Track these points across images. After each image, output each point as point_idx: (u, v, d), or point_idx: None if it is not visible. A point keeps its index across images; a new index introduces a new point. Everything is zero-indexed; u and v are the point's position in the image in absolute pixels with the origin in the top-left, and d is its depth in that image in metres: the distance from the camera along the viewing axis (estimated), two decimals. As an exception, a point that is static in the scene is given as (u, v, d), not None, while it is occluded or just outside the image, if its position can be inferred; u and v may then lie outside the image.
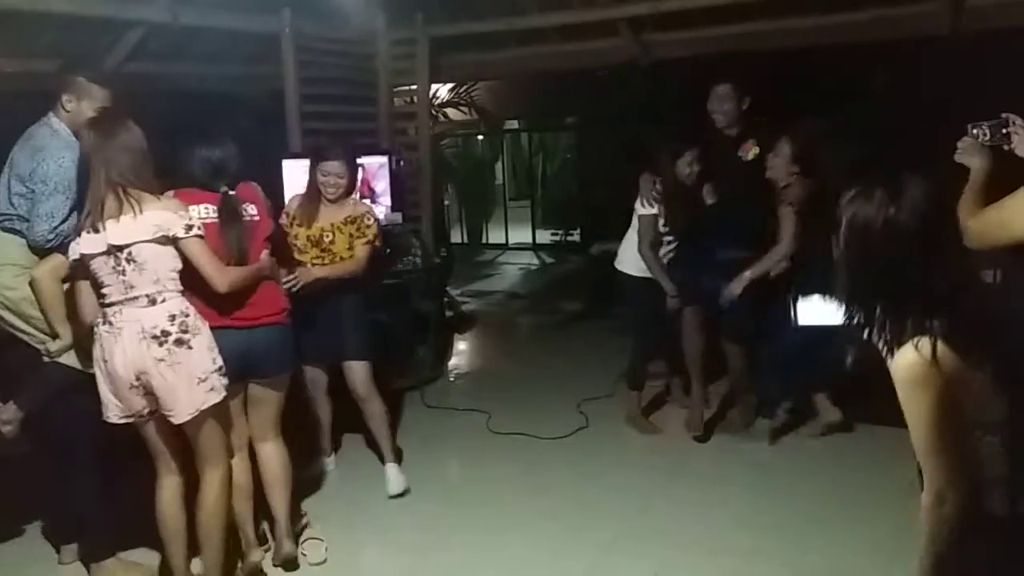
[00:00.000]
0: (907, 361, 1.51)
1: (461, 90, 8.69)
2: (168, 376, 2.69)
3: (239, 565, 3.15)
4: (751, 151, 4.10)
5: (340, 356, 3.83)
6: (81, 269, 2.75)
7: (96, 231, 2.68)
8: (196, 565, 3.01)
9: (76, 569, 3.27)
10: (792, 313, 3.94)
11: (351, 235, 3.72)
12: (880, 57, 5.45)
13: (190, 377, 2.72)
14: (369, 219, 3.76)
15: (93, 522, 3.19)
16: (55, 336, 2.99)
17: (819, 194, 3.89)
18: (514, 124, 13.46)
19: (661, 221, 4.25)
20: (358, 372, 3.81)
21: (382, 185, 5.55)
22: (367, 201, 5.35)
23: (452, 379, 5.85)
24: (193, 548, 2.96)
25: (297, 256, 3.68)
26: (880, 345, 1.58)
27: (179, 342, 2.70)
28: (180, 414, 2.74)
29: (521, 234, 13.06)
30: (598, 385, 5.26)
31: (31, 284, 2.93)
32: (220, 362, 2.80)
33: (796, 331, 3.98)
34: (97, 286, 2.75)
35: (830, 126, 4.43)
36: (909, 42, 4.82)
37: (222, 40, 5.58)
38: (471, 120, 10.44)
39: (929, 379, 1.49)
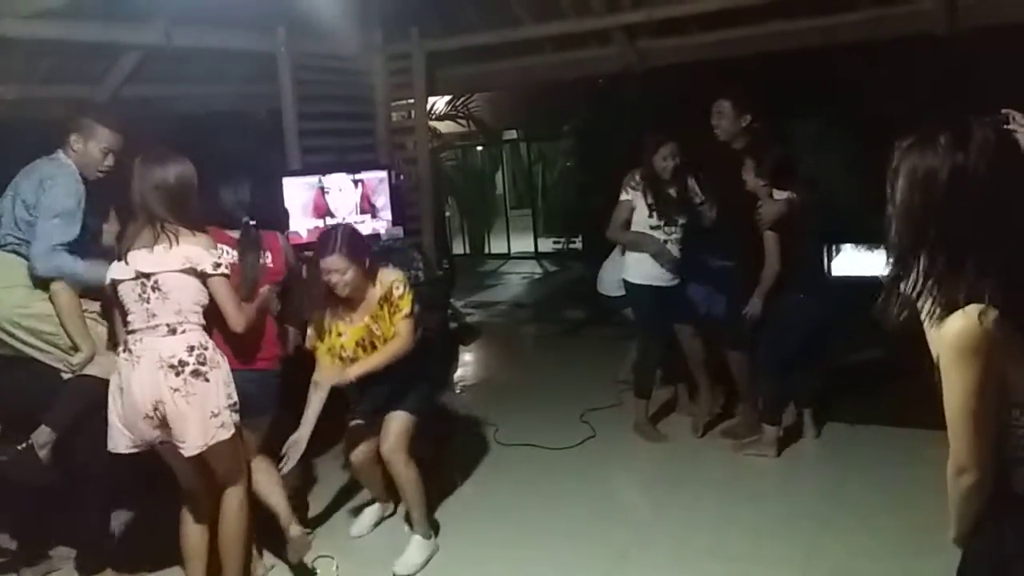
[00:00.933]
0: (957, 328, 1.41)
1: (458, 102, 8.71)
2: (181, 407, 2.70)
3: None
4: (750, 176, 4.11)
5: (386, 408, 3.41)
6: (113, 295, 2.80)
7: (122, 259, 2.74)
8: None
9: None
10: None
11: (390, 314, 3.25)
12: (875, 56, 5.44)
13: (203, 410, 2.73)
14: (399, 287, 3.25)
15: (95, 534, 3.23)
16: (76, 349, 3.04)
17: (797, 208, 3.95)
18: (513, 134, 13.48)
19: (646, 213, 4.34)
20: (395, 423, 3.35)
21: (382, 200, 5.56)
22: (366, 218, 5.40)
23: (458, 391, 5.84)
24: (212, 569, 2.97)
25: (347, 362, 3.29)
26: (927, 309, 1.46)
27: (196, 373, 2.72)
28: (190, 447, 2.74)
29: (523, 243, 13.06)
30: (604, 394, 5.26)
31: (51, 297, 3.00)
32: (235, 398, 2.82)
33: (792, 332, 4.00)
34: (123, 313, 2.80)
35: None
36: (902, 41, 4.81)
37: (218, 61, 5.59)
38: (470, 132, 10.47)
39: (978, 349, 1.40)
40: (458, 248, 13.26)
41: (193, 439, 2.73)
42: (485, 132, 11.15)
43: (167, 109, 5.67)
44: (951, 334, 1.41)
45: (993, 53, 5.03)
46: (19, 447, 2.97)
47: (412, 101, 6.23)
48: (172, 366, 2.69)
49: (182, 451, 2.76)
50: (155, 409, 2.71)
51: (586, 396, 5.23)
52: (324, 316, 3.27)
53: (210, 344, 2.79)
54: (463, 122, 9.28)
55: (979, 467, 1.46)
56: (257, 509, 3.12)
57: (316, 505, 3.88)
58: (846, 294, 4.04)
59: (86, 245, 3.10)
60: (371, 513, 3.71)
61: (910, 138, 1.51)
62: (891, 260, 1.51)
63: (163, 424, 2.74)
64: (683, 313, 4.53)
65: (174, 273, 2.72)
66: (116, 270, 2.77)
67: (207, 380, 2.73)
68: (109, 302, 2.89)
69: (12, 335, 3.05)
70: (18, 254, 3.05)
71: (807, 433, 4.36)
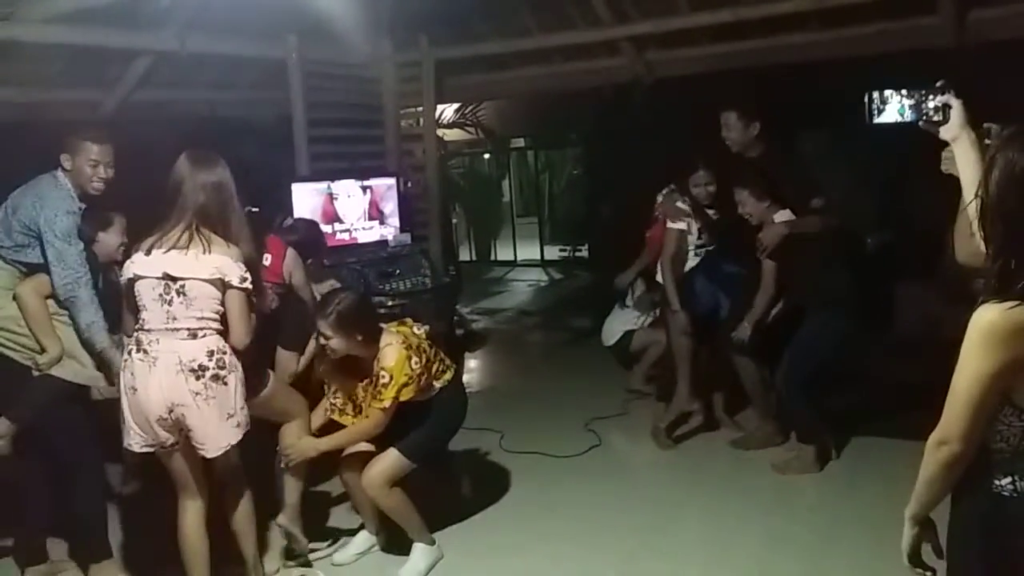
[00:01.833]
0: (990, 318, 1.42)
1: (467, 110, 8.74)
2: (204, 410, 2.72)
3: None
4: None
5: (386, 440, 3.32)
6: (128, 290, 2.80)
7: (149, 254, 2.75)
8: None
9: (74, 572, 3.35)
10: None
11: (371, 395, 3.20)
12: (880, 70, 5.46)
13: (221, 413, 2.76)
14: (385, 377, 3.11)
15: (95, 524, 3.28)
16: (43, 350, 3.14)
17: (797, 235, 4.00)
18: (520, 142, 13.52)
19: (692, 236, 4.48)
20: (384, 460, 3.27)
21: (390, 206, 5.61)
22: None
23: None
24: (215, 571, 2.98)
25: (336, 417, 3.32)
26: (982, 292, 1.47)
27: (216, 377, 2.73)
28: (211, 449, 2.78)
29: (529, 251, 13.09)
30: (610, 403, 5.27)
31: (15, 299, 3.13)
32: (245, 398, 2.86)
33: (815, 352, 4.01)
34: (135, 309, 2.79)
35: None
36: (911, 54, 4.81)
37: (230, 66, 5.64)
38: (477, 139, 10.50)
39: (1001, 345, 1.42)
40: (464, 255, 13.30)
41: (214, 441, 2.77)
42: (493, 140, 11.18)
43: (178, 113, 5.72)
44: (983, 321, 1.43)
45: (1001, 67, 5.04)
46: None
47: (421, 109, 6.26)
48: (193, 370, 2.70)
49: (202, 453, 2.79)
50: (170, 411, 2.71)
51: (592, 404, 5.24)
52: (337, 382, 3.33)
53: (227, 348, 2.79)
54: (471, 130, 9.30)
55: (962, 441, 1.49)
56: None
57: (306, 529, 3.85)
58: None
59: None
60: (358, 542, 3.58)
61: (1012, 128, 1.52)
62: (991, 248, 1.50)
63: (176, 426, 2.75)
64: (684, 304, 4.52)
65: (203, 282, 2.73)
66: (140, 265, 2.76)
67: (226, 384, 2.76)
68: (124, 294, 2.87)
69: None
70: (3, 260, 3.19)
71: (831, 456, 4.21)
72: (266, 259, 3.28)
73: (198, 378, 2.70)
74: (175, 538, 2.95)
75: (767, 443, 4.43)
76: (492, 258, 13.56)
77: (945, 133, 1.99)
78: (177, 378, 2.69)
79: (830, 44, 5.12)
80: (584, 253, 11.51)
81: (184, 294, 2.72)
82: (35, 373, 3.15)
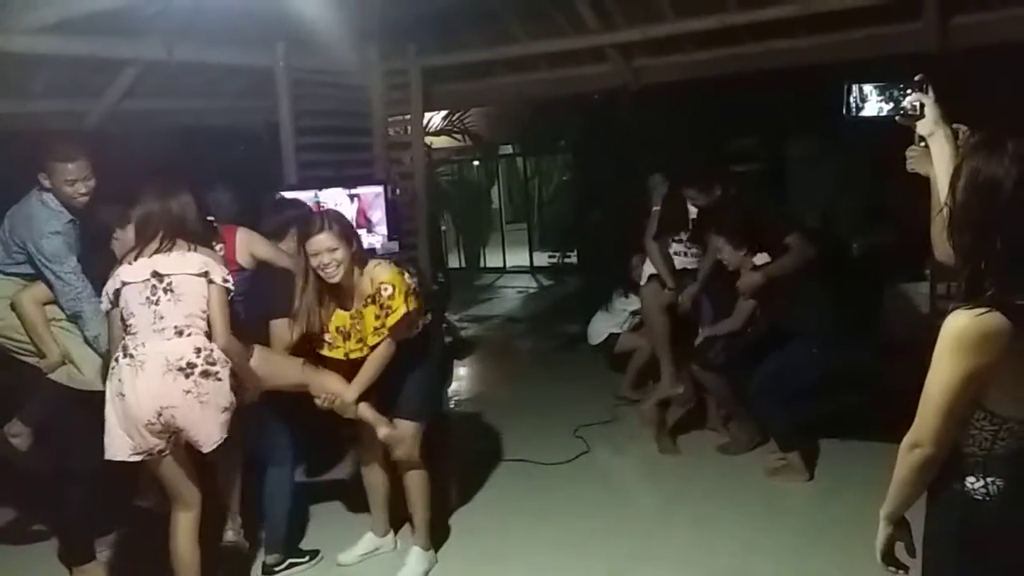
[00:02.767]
0: (961, 324, 1.44)
1: (454, 117, 8.75)
2: (195, 408, 2.73)
3: None
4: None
5: (389, 411, 3.31)
6: (114, 300, 2.83)
7: (133, 263, 2.80)
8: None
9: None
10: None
11: (376, 316, 3.12)
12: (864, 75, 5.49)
13: (216, 407, 2.78)
14: (388, 289, 3.08)
15: (79, 530, 3.36)
16: (42, 356, 3.28)
17: (774, 280, 4.05)
18: (509, 149, 13.54)
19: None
20: (405, 438, 3.31)
21: (378, 215, 5.58)
22: (365, 234, 5.42)
23: (452, 405, 5.84)
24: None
25: (329, 352, 3.23)
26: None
27: (205, 374, 2.76)
28: (207, 443, 2.80)
29: (519, 257, 13.09)
30: (598, 410, 5.27)
31: (12, 308, 3.27)
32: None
33: (793, 381, 4.03)
34: (123, 318, 2.80)
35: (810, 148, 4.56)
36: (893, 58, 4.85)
37: (217, 75, 5.62)
38: (466, 146, 10.51)
39: (972, 351, 1.44)
40: (454, 262, 13.29)
41: (209, 435, 2.79)
42: (481, 147, 11.19)
43: (166, 123, 5.70)
44: (954, 327, 1.46)
45: (985, 71, 5.09)
46: None
47: (408, 117, 6.27)
48: (181, 368, 2.72)
49: (200, 448, 2.81)
50: (159, 415, 2.71)
51: (580, 411, 5.24)
52: (307, 310, 3.14)
53: (214, 345, 2.81)
54: (459, 137, 9.31)
55: (934, 444, 1.52)
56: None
57: (311, 527, 3.86)
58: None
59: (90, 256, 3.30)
60: (364, 543, 3.60)
61: (977, 136, 1.53)
62: (957, 254, 1.53)
63: (166, 430, 2.75)
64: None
65: (191, 276, 2.79)
66: (126, 273, 2.80)
67: (218, 379, 2.78)
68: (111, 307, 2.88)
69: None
70: (3, 273, 3.36)
71: (800, 475, 4.16)
72: (219, 248, 3.25)
73: (187, 376, 2.72)
74: (166, 547, 2.93)
75: (751, 445, 4.45)
76: (481, 265, 13.55)
77: (921, 128, 2.01)
78: (165, 379, 2.70)
79: (815, 50, 5.16)
80: (573, 259, 11.51)
81: (172, 291, 2.76)
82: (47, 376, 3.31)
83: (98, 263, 3.17)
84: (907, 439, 1.56)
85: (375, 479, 3.53)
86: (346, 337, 3.18)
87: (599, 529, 3.74)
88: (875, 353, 5.38)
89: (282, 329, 3.38)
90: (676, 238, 4.60)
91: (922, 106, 2.01)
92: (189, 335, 2.77)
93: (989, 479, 1.52)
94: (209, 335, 2.81)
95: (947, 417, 1.49)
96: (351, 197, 5.44)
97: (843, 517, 3.62)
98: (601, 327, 5.89)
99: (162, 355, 2.71)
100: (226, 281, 2.86)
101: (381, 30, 5.87)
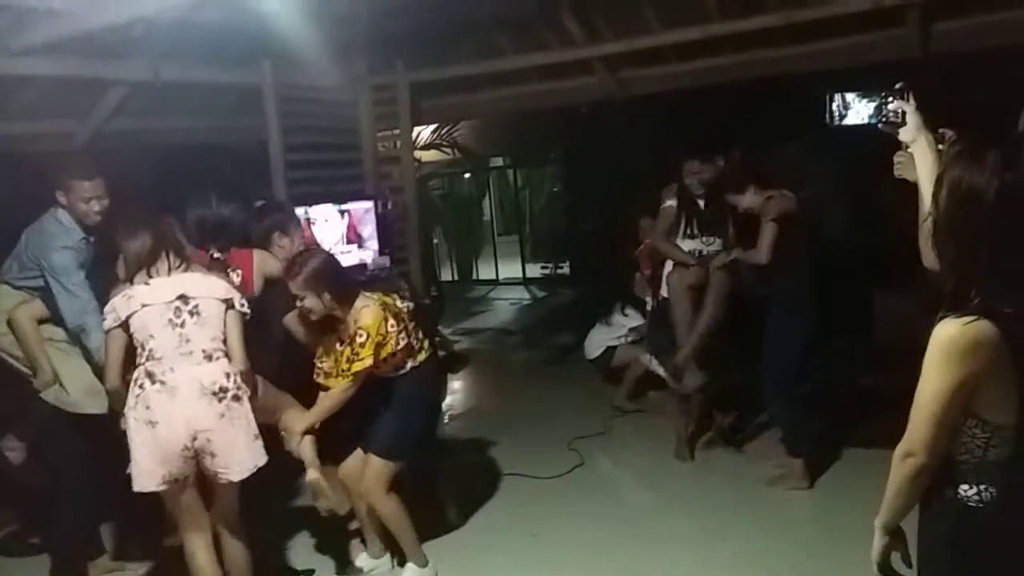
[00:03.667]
0: (949, 334, 1.46)
1: (443, 131, 8.76)
2: (228, 432, 2.73)
3: None
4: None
5: (365, 443, 3.35)
6: (124, 325, 2.78)
7: (149, 283, 2.77)
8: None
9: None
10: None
11: (347, 358, 3.17)
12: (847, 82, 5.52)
13: (248, 433, 2.78)
14: (362, 336, 3.10)
15: (69, 547, 3.38)
16: (35, 373, 3.31)
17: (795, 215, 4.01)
18: (499, 161, 13.56)
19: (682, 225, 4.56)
20: (370, 467, 3.31)
21: (368, 230, 5.60)
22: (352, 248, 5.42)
23: (446, 420, 5.82)
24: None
25: (322, 380, 3.28)
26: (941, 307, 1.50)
27: (236, 398, 2.76)
28: (240, 471, 2.77)
29: (511, 269, 13.09)
30: (593, 422, 5.27)
31: (8, 324, 3.30)
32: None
33: (786, 355, 4.02)
34: (140, 343, 2.75)
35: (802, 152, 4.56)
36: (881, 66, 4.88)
37: (205, 94, 5.63)
38: (456, 159, 10.52)
39: (961, 360, 1.45)
40: (446, 275, 13.29)
41: (242, 463, 2.78)
42: (471, 159, 11.21)
43: (154, 142, 5.69)
44: (943, 337, 1.47)
45: (970, 76, 5.13)
46: None
47: (397, 131, 6.28)
48: (215, 392, 2.72)
49: (227, 477, 2.77)
50: (194, 439, 2.70)
51: (574, 423, 5.24)
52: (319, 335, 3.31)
53: (237, 370, 2.83)
54: (448, 150, 9.32)
55: (927, 453, 1.53)
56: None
57: (308, 549, 3.84)
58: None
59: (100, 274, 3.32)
60: (361, 562, 3.59)
61: (958, 145, 1.55)
62: (942, 264, 1.53)
63: (195, 457, 2.74)
64: None
65: (215, 301, 2.80)
66: (143, 295, 2.75)
67: (244, 404, 2.80)
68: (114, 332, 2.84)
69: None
70: (12, 286, 3.43)
71: (800, 483, 4.14)
72: (237, 275, 3.28)
73: (220, 400, 2.72)
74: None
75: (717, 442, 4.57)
76: (474, 277, 13.55)
77: (904, 135, 2.04)
78: (200, 402, 2.69)
79: (800, 59, 5.19)
80: (566, 270, 11.52)
81: (199, 314, 2.76)
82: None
83: (105, 281, 3.17)
84: (900, 448, 1.57)
85: (363, 507, 3.48)
86: (340, 374, 3.23)
87: (594, 543, 3.72)
88: (868, 359, 5.41)
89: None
90: (689, 234, 4.55)
91: (904, 113, 2.04)
92: (218, 359, 2.78)
93: (982, 486, 1.52)
94: (229, 359, 2.82)
95: (939, 426, 1.50)
96: (341, 212, 5.45)
97: (843, 527, 3.59)
98: (598, 340, 5.93)
99: (196, 380, 2.71)
100: (244, 306, 2.90)
101: (368, 45, 5.89)
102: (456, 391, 6.65)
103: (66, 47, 4.33)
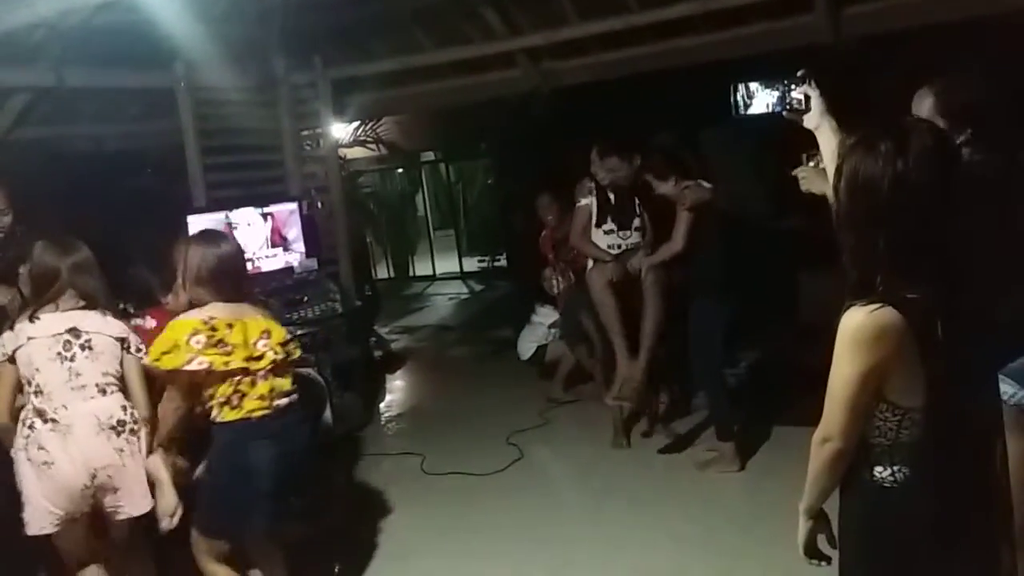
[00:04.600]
0: (857, 322, 1.48)
1: (367, 127, 8.64)
2: (130, 467, 2.66)
3: None
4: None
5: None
6: (8, 361, 2.66)
7: (34, 320, 2.65)
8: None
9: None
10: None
11: None
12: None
13: (144, 467, 2.71)
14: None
15: None
16: None
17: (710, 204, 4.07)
18: (431, 155, 13.47)
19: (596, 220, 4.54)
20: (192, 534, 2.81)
21: (294, 232, 5.47)
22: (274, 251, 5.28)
23: (384, 422, 5.76)
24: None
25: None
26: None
27: (133, 432, 2.70)
28: (138, 507, 2.69)
29: (448, 264, 13.03)
30: (530, 415, 5.27)
31: None
32: None
33: (708, 336, 4.08)
34: (26, 378, 2.64)
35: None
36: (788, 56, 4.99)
37: (114, 98, 5.43)
38: (384, 156, 10.40)
39: (870, 347, 1.47)
40: (382, 273, 13.15)
41: (140, 497, 2.70)
42: (399, 155, 11.10)
43: (62, 150, 5.47)
44: (850, 325, 1.49)
45: (879, 59, 5.27)
46: None
47: (320, 130, 6.16)
48: (113, 427, 2.65)
49: (127, 513, 2.68)
50: (93, 478, 2.60)
51: (512, 418, 5.22)
52: None
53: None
54: (373, 147, 9.21)
55: (843, 437, 1.56)
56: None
57: None
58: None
59: None
60: None
61: (853, 137, 1.55)
62: (844, 252, 1.55)
63: (93, 495, 2.64)
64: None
65: (109, 338, 2.72)
66: (30, 329, 2.65)
67: (143, 438, 2.73)
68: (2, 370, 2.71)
69: None
70: None
71: (731, 466, 4.18)
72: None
73: (119, 434, 2.65)
74: None
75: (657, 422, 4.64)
76: (411, 274, 13.45)
77: (808, 122, 2.07)
78: (99, 439, 2.61)
79: (717, 46, 5.27)
80: (503, 262, 11.52)
81: (90, 348, 2.67)
82: None
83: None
84: (817, 434, 1.60)
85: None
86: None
87: (534, 537, 3.72)
88: (793, 337, 5.53)
89: None
90: (607, 229, 4.56)
91: (807, 99, 2.06)
92: (113, 392, 2.71)
93: (895, 467, 1.56)
94: (124, 393, 2.76)
95: (852, 411, 1.53)
96: (264, 216, 5.32)
97: (773, 505, 3.63)
98: (528, 343, 5.99)
99: (92, 415, 2.62)
100: (139, 351, 2.78)
101: (284, 43, 5.76)
102: (394, 391, 6.58)
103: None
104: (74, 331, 2.67)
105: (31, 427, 2.60)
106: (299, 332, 4.98)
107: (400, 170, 14.07)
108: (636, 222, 4.54)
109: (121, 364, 2.77)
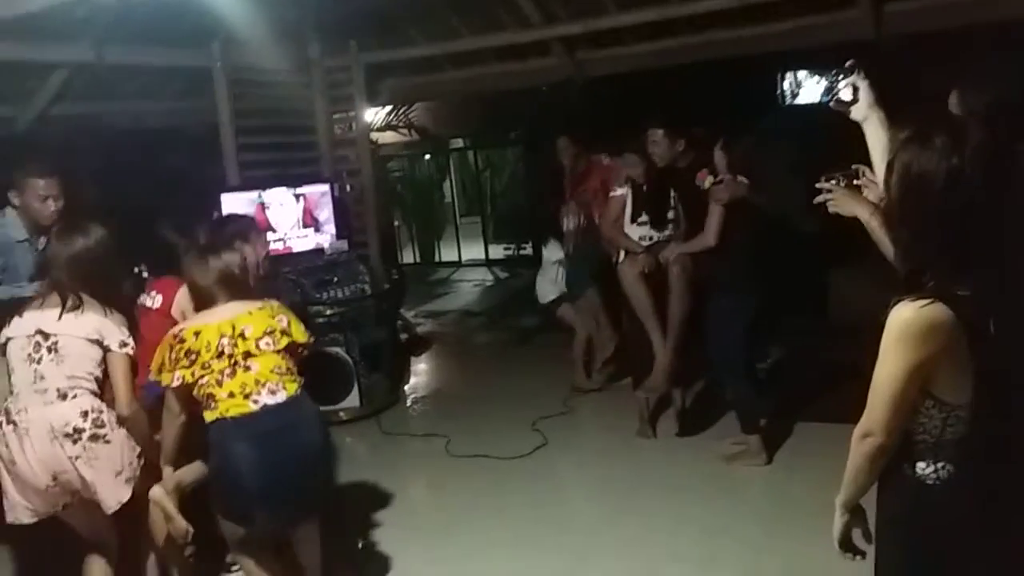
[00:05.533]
0: (906, 316, 1.47)
1: (399, 112, 8.67)
2: (87, 473, 2.59)
3: None
4: (706, 180, 4.16)
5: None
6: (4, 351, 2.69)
7: (22, 316, 2.65)
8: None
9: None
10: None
11: None
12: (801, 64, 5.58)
13: (110, 471, 2.64)
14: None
15: None
16: None
17: (744, 200, 4.01)
18: (460, 142, 13.48)
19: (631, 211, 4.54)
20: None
21: (325, 213, 5.53)
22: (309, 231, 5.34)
23: (409, 404, 5.81)
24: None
25: None
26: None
27: (94, 437, 2.61)
28: (109, 503, 2.66)
29: (474, 250, 13.05)
30: (555, 402, 5.28)
31: None
32: (135, 454, 2.72)
33: (732, 331, 4.05)
34: (8, 375, 2.66)
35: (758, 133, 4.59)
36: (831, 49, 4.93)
37: (152, 76, 5.49)
38: (414, 141, 10.43)
39: (918, 342, 1.46)
40: (408, 257, 13.21)
41: (108, 496, 2.64)
42: (429, 141, 11.12)
43: (101, 126, 5.55)
44: (899, 319, 1.48)
45: (920, 58, 5.20)
46: None
47: (353, 113, 6.19)
48: (68, 435, 2.56)
49: (107, 505, 2.66)
50: (55, 480, 2.58)
51: (538, 404, 5.25)
52: None
53: (104, 407, 2.66)
54: (405, 132, 9.24)
55: (886, 432, 1.55)
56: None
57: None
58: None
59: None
60: None
61: (907, 131, 1.53)
62: (896, 248, 1.54)
63: (67, 489, 2.63)
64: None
65: (78, 339, 2.61)
66: (12, 327, 2.66)
67: (108, 441, 2.63)
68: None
69: None
70: None
71: (758, 459, 4.18)
72: (155, 299, 3.12)
73: (75, 442, 2.57)
74: None
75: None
76: (436, 259, 13.49)
77: (855, 113, 2.03)
78: (52, 446, 2.55)
79: (755, 40, 5.22)
80: (528, 251, 11.51)
81: (56, 351, 2.60)
82: None
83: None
84: (859, 428, 1.58)
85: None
86: None
87: (558, 521, 3.75)
88: (824, 336, 5.49)
89: None
90: (640, 222, 4.55)
91: (856, 90, 2.02)
92: (75, 397, 2.60)
93: (939, 464, 1.55)
94: (98, 394, 2.66)
95: (897, 407, 1.52)
96: (296, 196, 5.38)
97: (802, 500, 3.68)
98: (544, 286, 5.73)
99: (46, 421, 2.55)
100: (124, 346, 2.66)
101: (321, 27, 5.80)
102: (419, 375, 6.63)
103: (5, 28, 4.18)
104: (41, 332, 2.61)
105: (0, 425, 2.61)
106: (328, 312, 5.05)
107: (428, 156, 14.09)
108: (670, 214, 4.52)
109: (103, 362, 2.67)
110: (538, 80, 6.22)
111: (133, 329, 2.78)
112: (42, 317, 2.63)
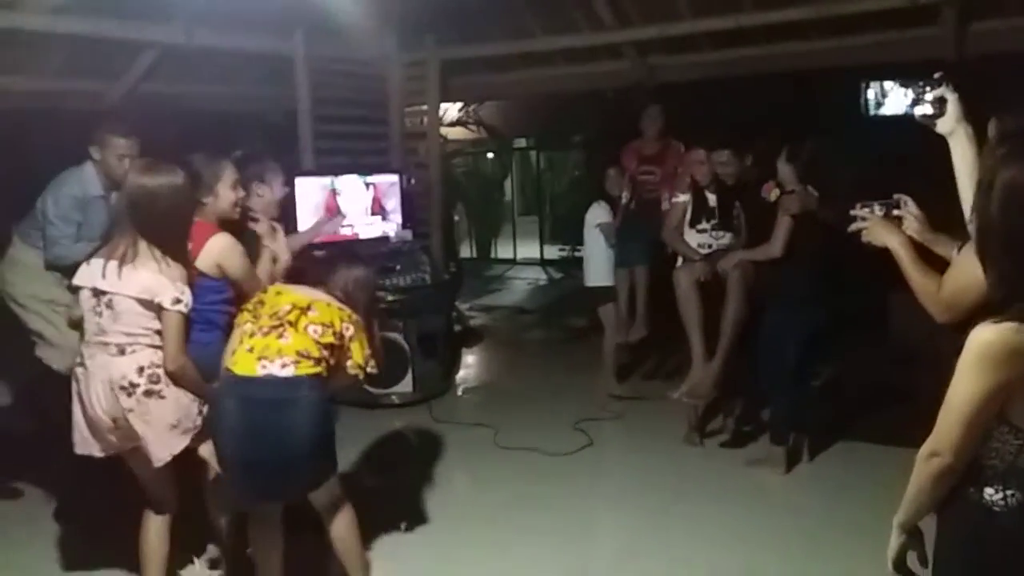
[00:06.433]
0: (987, 338, 1.42)
1: (470, 109, 8.79)
2: (139, 427, 2.65)
3: None
4: (772, 192, 4.15)
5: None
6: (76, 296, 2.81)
7: (89, 264, 2.70)
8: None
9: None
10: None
11: None
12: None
13: (163, 426, 2.69)
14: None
15: None
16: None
17: (813, 212, 3.97)
18: (523, 142, 13.56)
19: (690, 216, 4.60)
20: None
21: (393, 203, 5.65)
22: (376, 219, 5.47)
23: (460, 393, 5.90)
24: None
25: None
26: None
27: (148, 393, 2.64)
28: (155, 459, 2.71)
29: (529, 249, 13.12)
30: (601, 403, 5.30)
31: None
32: (196, 405, 2.75)
33: (788, 343, 4.03)
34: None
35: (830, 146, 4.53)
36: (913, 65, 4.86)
37: (236, 61, 5.68)
38: (480, 138, 10.54)
39: (998, 365, 1.41)
40: (465, 252, 13.34)
41: (155, 451, 2.69)
42: (496, 139, 11.22)
43: (184, 107, 5.76)
44: (981, 340, 1.43)
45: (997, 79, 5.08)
46: None
47: (425, 107, 6.31)
48: (123, 387, 2.63)
49: (155, 459, 2.72)
50: (115, 423, 2.67)
51: (584, 405, 5.27)
52: None
53: (163, 360, 2.68)
54: (473, 128, 9.34)
55: (954, 454, 1.50)
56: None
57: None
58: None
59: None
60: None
61: (1005, 146, 1.47)
62: (990, 274, 1.48)
63: (127, 437, 2.70)
64: None
65: (129, 299, 2.62)
66: (79, 275, 2.72)
67: (162, 397, 2.67)
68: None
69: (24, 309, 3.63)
70: (24, 242, 3.60)
71: (802, 457, 4.29)
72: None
73: (129, 395, 2.62)
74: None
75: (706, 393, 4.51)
76: (492, 256, 13.60)
77: (941, 127, 1.97)
78: (110, 395, 2.64)
79: (830, 53, 5.18)
80: (583, 253, 11.51)
81: (112, 307, 2.64)
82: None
83: None
84: (925, 448, 1.54)
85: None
86: None
87: (601, 521, 3.79)
88: (883, 359, 5.40)
89: None
90: (699, 228, 4.57)
91: (943, 102, 1.96)
92: (133, 352, 2.65)
93: (1009, 491, 1.50)
94: (159, 347, 2.66)
95: (969, 429, 1.47)
96: (367, 185, 5.51)
97: (846, 517, 3.64)
98: (592, 267, 5.59)
99: (107, 371, 2.63)
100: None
101: (400, 21, 5.93)
102: (470, 366, 6.72)
103: (99, 6, 4.39)
104: (96, 290, 2.66)
105: (79, 360, 2.73)
106: (389, 299, 5.17)
107: (492, 154, 14.21)
108: (733, 223, 4.52)
109: (159, 318, 2.64)
110: (607, 83, 6.26)
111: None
112: (98, 272, 2.65)
